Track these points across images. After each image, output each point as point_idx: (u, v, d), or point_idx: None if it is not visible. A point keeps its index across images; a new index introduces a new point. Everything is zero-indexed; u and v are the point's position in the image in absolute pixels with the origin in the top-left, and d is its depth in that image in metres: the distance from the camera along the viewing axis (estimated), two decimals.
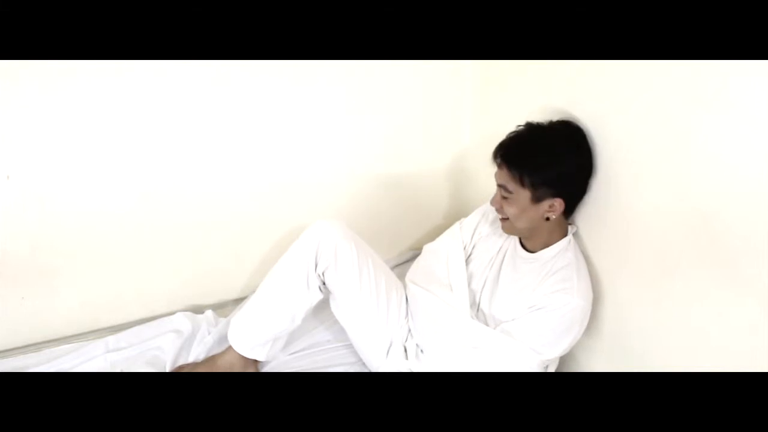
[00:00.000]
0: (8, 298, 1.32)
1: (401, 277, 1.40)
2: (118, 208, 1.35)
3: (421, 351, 1.28)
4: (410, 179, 1.73)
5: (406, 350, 1.30)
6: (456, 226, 1.44)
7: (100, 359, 1.31)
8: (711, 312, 0.98)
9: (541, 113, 1.25)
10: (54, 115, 1.21)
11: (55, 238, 1.31)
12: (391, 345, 1.30)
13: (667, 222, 1.03)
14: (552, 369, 1.25)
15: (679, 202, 1.00)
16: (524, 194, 1.15)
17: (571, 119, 1.21)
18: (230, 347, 1.28)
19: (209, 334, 1.39)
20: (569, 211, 1.21)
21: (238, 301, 1.55)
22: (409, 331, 1.32)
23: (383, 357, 1.29)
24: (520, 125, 1.20)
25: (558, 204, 1.15)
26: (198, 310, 1.50)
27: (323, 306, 1.34)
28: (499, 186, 1.19)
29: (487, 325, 1.24)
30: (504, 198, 1.19)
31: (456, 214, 1.72)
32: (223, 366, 1.28)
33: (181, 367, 1.31)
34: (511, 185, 1.16)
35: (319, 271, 1.24)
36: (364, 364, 1.36)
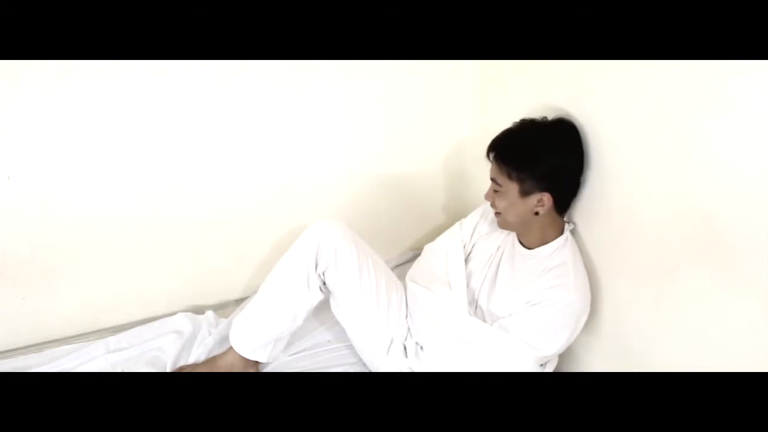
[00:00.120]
0: (9, 299, 1.32)
1: (401, 277, 1.41)
2: (118, 208, 1.35)
3: (421, 348, 1.29)
4: (410, 179, 1.73)
5: (405, 349, 1.30)
6: (456, 225, 1.45)
7: (101, 360, 1.31)
8: (711, 312, 0.98)
9: (541, 113, 1.25)
10: (54, 115, 1.21)
11: (56, 238, 1.31)
12: (391, 343, 1.30)
13: (667, 221, 1.03)
14: (550, 368, 1.25)
15: (679, 202, 1.00)
16: (513, 188, 1.17)
17: (568, 118, 1.22)
18: (231, 348, 1.28)
19: (210, 335, 1.39)
20: (562, 207, 1.23)
21: (239, 301, 1.55)
22: (409, 330, 1.32)
23: (383, 355, 1.30)
24: (515, 122, 1.23)
25: (546, 199, 1.17)
26: (198, 310, 1.50)
27: (324, 307, 1.34)
28: (491, 180, 1.22)
29: (485, 321, 1.25)
30: (495, 191, 1.22)
31: (456, 214, 1.72)
32: (224, 367, 1.28)
33: (181, 368, 1.31)
34: (501, 179, 1.19)
35: (320, 271, 1.25)
36: (364, 364, 1.36)
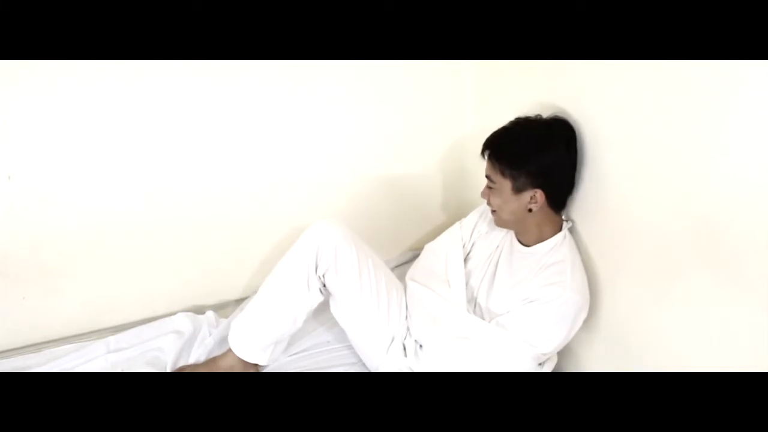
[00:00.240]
0: (9, 298, 1.32)
1: (401, 277, 1.41)
2: (119, 208, 1.35)
3: (420, 347, 1.29)
4: (410, 179, 1.73)
5: (405, 348, 1.30)
6: (456, 225, 1.46)
7: (101, 360, 1.31)
8: (711, 311, 0.98)
9: (541, 113, 1.25)
10: (55, 115, 1.21)
11: (56, 238, 1.32)
12: (391, 342, 1.30)
13: (667, 221, 1.03)
14: (550, 367, 1.25)
15: (679, 202, 1.00)
16: (506, 184, 1.19)
17: (563, 116, 1.22)
18: (230, 350, 1.28)
19: (210, 335, 1.39)
20: (556, 204, 1.23)
21: (239, 301, 1.55)
22: (408, 329, 1.32)
23: (383, 355, 1.30)
24: (510, 120, 1.24)
25: (539, 195, 1.18)
26: (199, 310, 1.50)
27: (323, 308, 1.34)
28: (486, 177, 1.23)
29: (483, 319, 1.26)
30: (490, 189, 1.23)
31: (456, 213, 1.72)
32: (224, 368, 1.28)
33: (181, 368, 1.31)
34: (494, 176, 1.20)
35: (320, 273, 1.25)
36: (364, 364, 1.36)
